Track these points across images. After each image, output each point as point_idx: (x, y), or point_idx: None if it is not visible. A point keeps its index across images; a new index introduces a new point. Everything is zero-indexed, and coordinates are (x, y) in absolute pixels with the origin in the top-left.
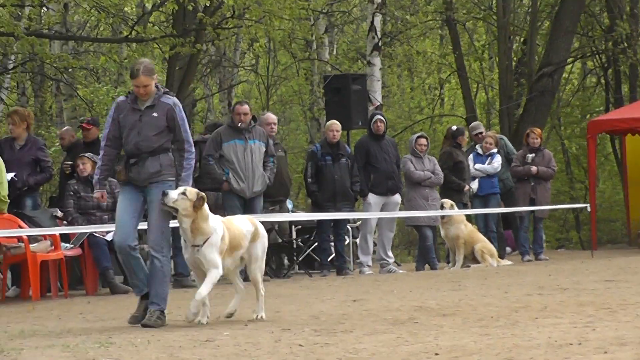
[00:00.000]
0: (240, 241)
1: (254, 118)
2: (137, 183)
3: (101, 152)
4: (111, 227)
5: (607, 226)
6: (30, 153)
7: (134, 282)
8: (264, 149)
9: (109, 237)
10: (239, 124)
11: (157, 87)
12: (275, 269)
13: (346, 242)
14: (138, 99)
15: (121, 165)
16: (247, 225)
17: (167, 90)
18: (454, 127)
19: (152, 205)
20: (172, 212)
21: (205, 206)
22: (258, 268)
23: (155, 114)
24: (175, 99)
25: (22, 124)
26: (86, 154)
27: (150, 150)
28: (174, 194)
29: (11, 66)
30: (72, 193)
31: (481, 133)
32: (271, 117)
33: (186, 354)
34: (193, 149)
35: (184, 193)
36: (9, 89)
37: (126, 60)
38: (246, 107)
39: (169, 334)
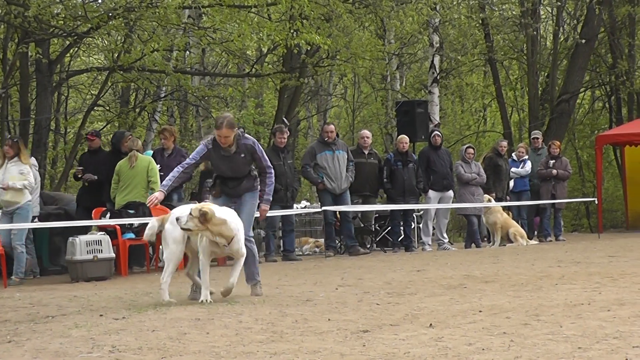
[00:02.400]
0: None
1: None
2: (231, 196)
3: (181, 169)
4: None
5: (610, 215)
6: (176, 159)
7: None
8: (346, 157)
9: None
10: (327, 139)
11: (238, 133)
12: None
13: (412, 227)
14: (222, 147)
15: (216, 183)
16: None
17: (242, 130)
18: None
19: (245, 205)
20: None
21: (216, 214)
22: None
23: (242, 155)
24: (252, 138)
25: (170, 137)
26: None
27: (243, 175)
28: (183, 218)
29: (163, 95)
30: (208, 189)
31: (537, 138)
32: (365, 132)
33: (292, 311)
34: (272, 171)
35: (190, 214)
36: (161, 112)
37: (248, 91)
38: (332, 126)
39: (278, 295)
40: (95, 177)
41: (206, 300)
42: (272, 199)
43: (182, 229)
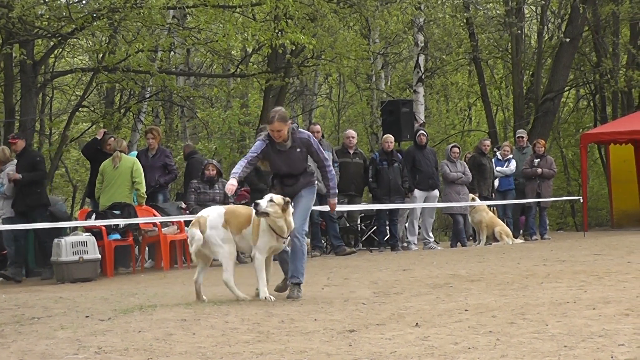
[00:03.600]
0: None
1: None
2: (291, 193)
3: (245, 161)
4: None
5: (595, 213)
6: (160, 160)
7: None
8: (331, 157)
9: None
10: None
11: (292, 128)
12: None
13: (398, 226)
14: (276, 142)
15: (274, 183)
16: None
17: (296, 125)
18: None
19: (301, 200)
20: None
21: (290, 206)
22: None
23: (298, 150)
24: (307, 132)
25: (157, 137)
26: (212, 161)
27: (300, 172)
28: (263, 203)
29: (148, 96)
30: (193, 190)
31: (522, 137)
32: (351, 132)
33: (278, 311)
34: (330, 163)
35: (271, 200)
36: (146, 113)
37: (233, 91)
38: (318, 126)
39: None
40: (20, 176)
41: (266, 298)
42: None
43: (260, 213)
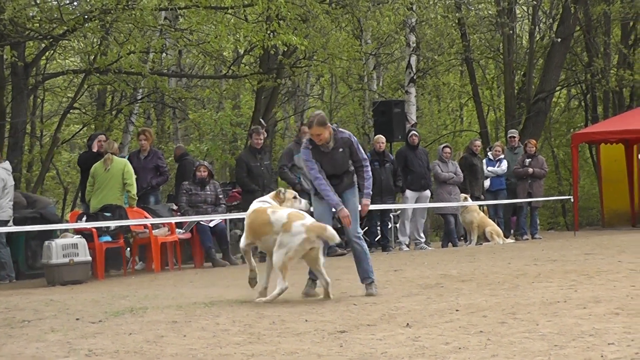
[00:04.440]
0: None
1: None
2: (338, 192)
3: (320, 175)
4: (214, 216)
5: (586, 213)
6: (152, 161)
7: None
8: None
9: (211, 224)
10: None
11: (333, 129)
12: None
13: (389, 227)
14: (318, 144)
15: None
16: None
17: (336, 126)
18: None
19: (349, 203)
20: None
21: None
22: None
23: (341, 150)
24: (348, 131)
25: (150, 139)
26: (204, 163)
27: (343, 171)
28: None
29: (139, 97)
30: (185, 191)
31: (513, 137)
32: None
33: (269, 312)
34: (368, 163)
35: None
36: (138, 114)
37: (225, 92)
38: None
39: (253, 296)
40: None
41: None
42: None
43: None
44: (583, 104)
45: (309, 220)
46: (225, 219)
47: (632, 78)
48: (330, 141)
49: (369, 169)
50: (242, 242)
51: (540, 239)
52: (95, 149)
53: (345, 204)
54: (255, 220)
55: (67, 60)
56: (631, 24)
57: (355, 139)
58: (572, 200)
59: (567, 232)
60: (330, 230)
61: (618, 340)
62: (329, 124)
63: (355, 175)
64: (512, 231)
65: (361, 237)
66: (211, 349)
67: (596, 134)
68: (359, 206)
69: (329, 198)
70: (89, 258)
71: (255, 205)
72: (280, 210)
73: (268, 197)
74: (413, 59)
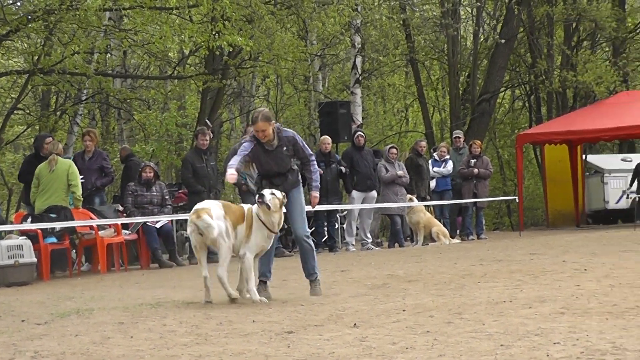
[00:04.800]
0: None
1: None
2: (285, 191)
3: (240, 157)
4: (160, 217)
5: (531, 213)
6: (97, 162)
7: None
8: None
9: (158, 225)
10: None
11: (276, 127)
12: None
13: (336, 227)
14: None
15: (263, 183)
16: None
17: (279, 125)
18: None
19: (295, 203)
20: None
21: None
22: None
23: (285, 148)
24: (291, 130)
25: (95, 139)
26: (150, 164)
27: (287, 169)
28: (267, 195)
29: (84, 98)
30: (130, 192)
31: (459, 137)
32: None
33: (216, 313)
34: (314, 159)
35: (273, 193)
36: (83, 115)
37: (170, 92)
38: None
39: (202, 298)
40: None
41: (261, 300)
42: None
43: (264, 204)
44: (527, 104)
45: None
46: (172, 220)
47: (575, 79)
48: (274, 139)
49: (315, 164)
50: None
51: (486, 239)
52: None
53: (292, 203)
54: None
55: (10, 61)
56: (574, 25)
57: (299, 137)
58: (517, 200)
59: (512, 232)
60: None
61: (563, 340)
62: (274, 121)
63: (299, 174)
64: (458, 231)
65: (309, 235)
66: (158, 350)
67: (540, 135)
68: (305, 202)
69: (229, 166)
70: (34, 259)
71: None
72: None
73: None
74: (358, 60)
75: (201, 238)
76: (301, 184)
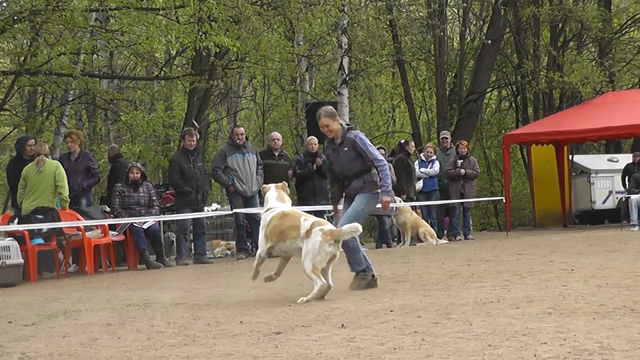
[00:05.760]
0: None
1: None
2: (349, 196)
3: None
4: (148, 218)
5: (518, 213)
6: (83, 163)
7: (350, 261)
8: (256, 160)
9: (145, 226)
10: (237, 142)
11: (342, 126)
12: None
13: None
14: (333, 139)
15: (336, 186)
16: None
17: (351, 126)
18: (403, 140)
19: (354, 201)
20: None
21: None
22: None
23: (346, 149)
24: (356, 132)
25: (77, 141)
26: (136, 164)
27: (351, 174)
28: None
29: (71, 99)
30: (117, 193)
31: (446, 138)
32: (276, 134)
33: (204, 314)
34: (384, 163)
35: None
36: (69, 116)
37: (157, 93)
38: (242, 129)
39: (190, 299)
40: None
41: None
42: (386, 191)
43: None
44: (514, 105)
45: (328, 226)
46: (159, 221)
47: (561, 80)
48: (338, 138)
49: (386, 168)
50: (263, 246)
51: (473, 240)
52: (28, 155)
53: (349, 204)
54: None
55: None
56: (560, 26)
57: (363, 139)
58: (504, 200)
59: (500, 232)
60: (344, 230)
61: (551, 340)
62: (338, 118)
63: (369, 182)
64: (445, 232)
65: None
66: (146, 351)
67: (527, 135)
68: (361, 209)
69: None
70: (21, 260)
71: (283, 208)
72: (310, 218)
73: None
74: (345, 61)
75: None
76: (369, 193)
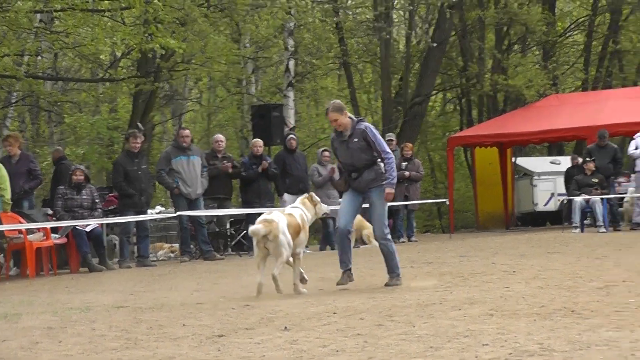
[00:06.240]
0: None
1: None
2: (359, 190)
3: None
4: (90, 221)
5: (461, 215)
6: (24, 165)
7: (342, 258)
8: (201, 162)
9: (88, 229)
10: (183, 144)
11: (351, 118)
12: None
13: None
14: (341, 132)
15: (342, 178)
16: None
17: (361, 118)
18: None
19: (374, 205)
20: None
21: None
22: None
23: (355, 139)
24: (366, 123)
25: (15, 144)
26: (80, 167)
27: (363, 165)
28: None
29: (14, 101)
30: (60, 196)
31: (391, 140)
32: (219, 137)
33: (146, 317)
34: (391, 156)
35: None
36: (12, 118)
37: (102, 95)
38: (187, 131)
39: (132, 302)
40: None
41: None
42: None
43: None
44: (458, 107)
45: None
46: (102, 224)
47: (505, 82)
48: (348, 130)
49: (392, 161)
50: (289, 249)
51: (417, 242)
52: None
53: (371, 205)
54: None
55: None
56: (505, 29)
57: (374, 131)
58: (447, 203)
59: (443, 234)
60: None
61: (492, 341)
62: (347, 112)
63: (379, 174)
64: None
65: (387, 237)
66: (87, 355)
67: (471, 138)
68: (385, 208)
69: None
70: None
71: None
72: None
73: (299, 202)
74: (291, 63)
75: (266, 251)
76: (382, 187)
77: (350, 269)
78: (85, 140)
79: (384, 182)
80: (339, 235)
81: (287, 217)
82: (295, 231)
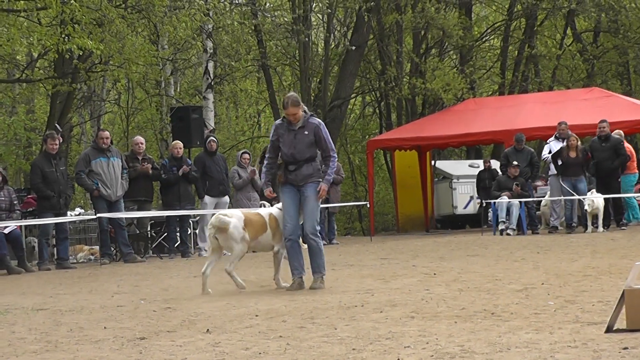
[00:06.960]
0: None
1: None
2: (295, 183)
3: (265, 162)
4: (9, 223)
5: (382, 218)
6: None
7: (295, 265)
8: (121, 164)
9: (6, 231)
10: (102, 146)
11: (305, 112)
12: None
13: (189, 232)
14: (291, 122)
15: (281, 171)
16: None
17: (313, 113)
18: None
19: (308, 200)
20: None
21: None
22: None
23: (306, 132)
24: (319, 120)
25: None
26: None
27: (304, 158)
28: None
29: None
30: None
31: None
32: (139, 138)
33: (67, 319)
34: (335, 155)
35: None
36: None
37: (18, 96)
38: (107, 133)
39: (52, 304)
40: None
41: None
42: (329, 181)
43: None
44: (377, 111)
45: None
46: (20, 226)
47: (424, 86)
48: (300, 121)
49: (335, 161)
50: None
51: (338, 244)
52: None
53: (304, 200)
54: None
55: None
56: (422, 33)
57: (325, 129)
58: (367, 205)
59: (364, 237)
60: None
61: (414, 343)
62: (302, 105)
63: (317, 170)
64: None
65: (318, 234)
66: (6, 358)
67: (390, 141)
68: (319, 205)
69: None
70: None
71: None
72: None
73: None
74: (210, 65)
75: (218, 242)
76: (318, 183)
77: (302, 277)
78: (2, 141)
79: (321, 179)
80: (289, 242)
81: (250, 215)
82: (257, 229)
